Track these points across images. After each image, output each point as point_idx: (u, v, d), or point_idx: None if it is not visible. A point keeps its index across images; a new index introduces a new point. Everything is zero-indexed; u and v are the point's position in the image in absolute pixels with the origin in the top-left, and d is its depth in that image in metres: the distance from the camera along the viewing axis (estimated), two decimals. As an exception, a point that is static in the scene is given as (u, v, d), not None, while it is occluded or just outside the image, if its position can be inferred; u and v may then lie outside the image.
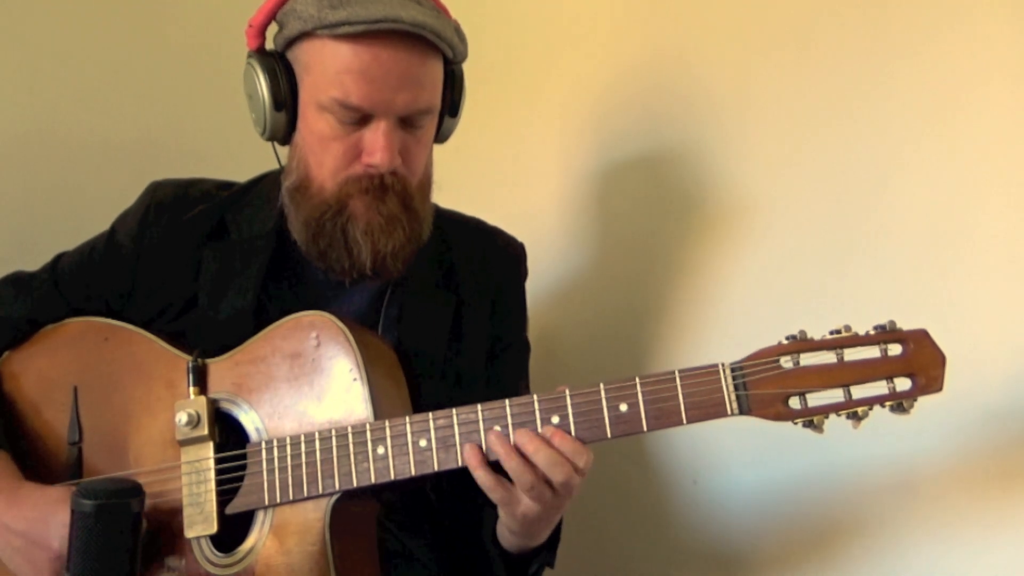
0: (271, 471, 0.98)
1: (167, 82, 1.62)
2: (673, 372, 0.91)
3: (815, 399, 0.89)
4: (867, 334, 0.90)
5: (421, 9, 0.99)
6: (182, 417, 1.00)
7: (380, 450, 0.96)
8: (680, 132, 1.41)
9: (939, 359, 0.89)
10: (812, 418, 0.89)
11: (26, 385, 1.10)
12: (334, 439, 0.97)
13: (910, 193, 1.18)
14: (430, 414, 0.96)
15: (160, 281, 1.11)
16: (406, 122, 1.02)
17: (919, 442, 1.15)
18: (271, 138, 1.07)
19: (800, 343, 0.90)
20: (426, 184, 1.08)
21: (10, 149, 1.46)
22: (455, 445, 0.95)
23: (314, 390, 1.00)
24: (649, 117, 1.45)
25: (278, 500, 0.98)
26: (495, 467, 0.93)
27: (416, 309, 1.12)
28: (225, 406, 1.02)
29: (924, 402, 0.89)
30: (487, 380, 1.15)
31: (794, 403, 0.90)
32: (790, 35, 1.29)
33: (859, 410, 0.89)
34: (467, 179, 1.56)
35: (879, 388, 0.89)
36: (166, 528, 1.01)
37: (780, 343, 0.91)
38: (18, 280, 1.16)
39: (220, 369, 1.03)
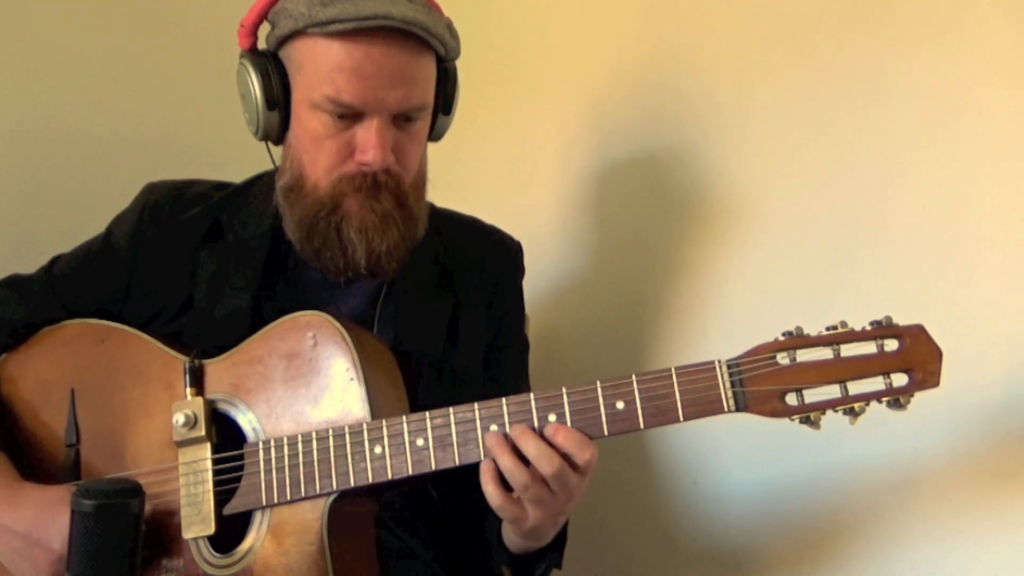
0: (268, 471, 0.98)
1: (166, 82, 1.62)
2: (669, 369, 0.91)
3: (812, 395, 0.89)
4: (863, 330, 0.90)
5: (412, 6, 0.99)
6: (179, 418, 1.00)
7: (377, 450, 0.96)
8: (678, 131, 1.41)
9: (936, 354, 0.89)
10: (809, 414, 0.89)
11: (23, 387, 1.11)
12: (331, 439, 0.97)
13: (907, 191, 1.18)
14: (427, 413, 0.95)
15: (156, 282, 1.11)
16: (399, 119, 1.02)
17: (917, 439, 1.14)
18: (265, 138, 1.07)
19: (796, 339, 0.90)
20: (420, 182, 1.08)
21: (9, 149, 1.47)
22: (452, 444, 0.95)
23: (311, 390, 1.00)
24: (647, 116, 1.45)
25: (276, 500, 0.98)
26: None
27: (413, 308, 1.12)
28: (222, 407, 1.02)
29: (921, 398, 0.89)
30: (486, 379, 1.15)
31: (791, 399, 0.89)
32: (789, 35, 1.29)
33: (856, 406, 0.88)
34: (466, 178, 1.57)
35: (876, 384, 0.88)
36: (164, 529, 1.01)
37: (776, 339, 0.90)
38: (14, 282, 1.16)
39: (217, 370, 1.03)
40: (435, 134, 1.11)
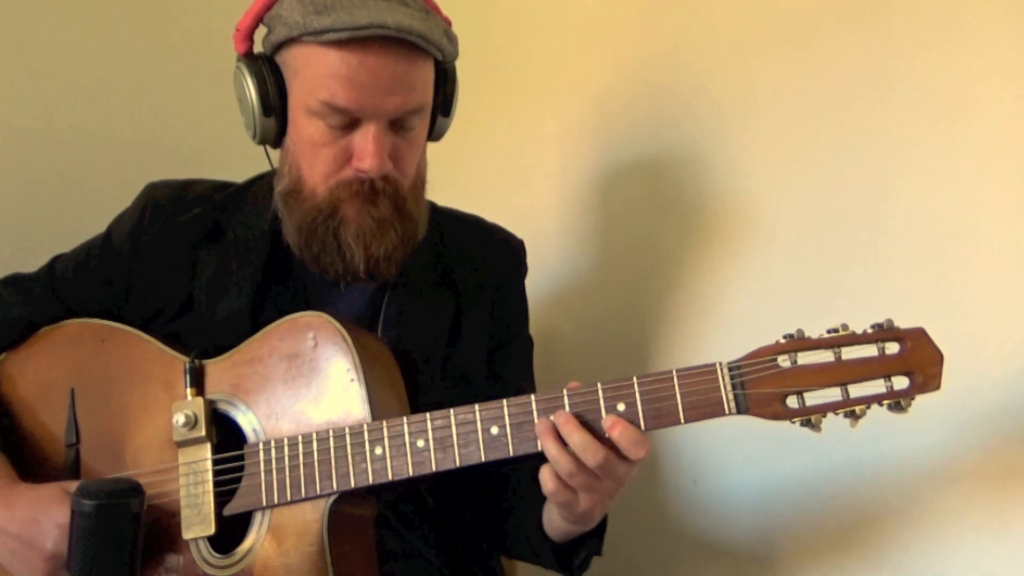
0: (269, 472, 0.98)
1: (166, 82, 1.62)
2: (671, 372, 0.91)
3: (813, 398, 0.89)
4: (864, 333, 0.89)
5: (407, 12, 0.98)
6: (179, 418, 1.00)
7: (377, 451, 0.96)
8: (680, 132, 1.41)
9: (937, 357, 0.88)
10: (810, 417, 0.89)
11: (23, 387, 1.10)
12: (331, 440, 0.97)
13: (908, 194, 1.18)
14: (427, 415, 0.95)
15: (156, 283, 1.11)
16: (396, 124, 1.01)
17: (917, 441, 1.14)
18: (262, 142, 1.07)
19: (797, 342, 0.90)
20: (419, 185, 1.08)
21: (9, 149, 1.47)
22: (452, 446, 0.94)
23: (311, 391, 1.00)
24: (649, 117, 1.45)
25: (276, 501, 0.98)
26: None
27: (415, 308, 1.12)
28: (223, 407, 1.02)
29: (922, 401, 0.89)
30: (489, 378, 1.15)
31: (792, 402, 0.89)
32: (791, 37, 1.29)
33: (857, 409, 0.88)
34: (468, 179, 1.57)
35: (877, 387, 0.88)
36: (164, 529, 1.01)
37: (778, 342, 0.90)
38: (15, 282, 1.16)
39: (217, 370, 1.03)
40: (435, 135, 1.11)
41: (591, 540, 1.03)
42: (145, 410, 1.04)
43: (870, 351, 0.89)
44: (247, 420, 1.01)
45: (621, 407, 0.92)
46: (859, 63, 1.22)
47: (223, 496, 1.00)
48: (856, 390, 0.88)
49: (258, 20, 1.04)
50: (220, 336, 1.05)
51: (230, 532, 1.00)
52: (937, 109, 1.16)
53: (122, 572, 0.94)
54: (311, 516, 0.97)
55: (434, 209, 1.16)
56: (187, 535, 0.99)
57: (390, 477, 0.95)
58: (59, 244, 1.19)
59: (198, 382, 1.03)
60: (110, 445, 1.05)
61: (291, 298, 1.09)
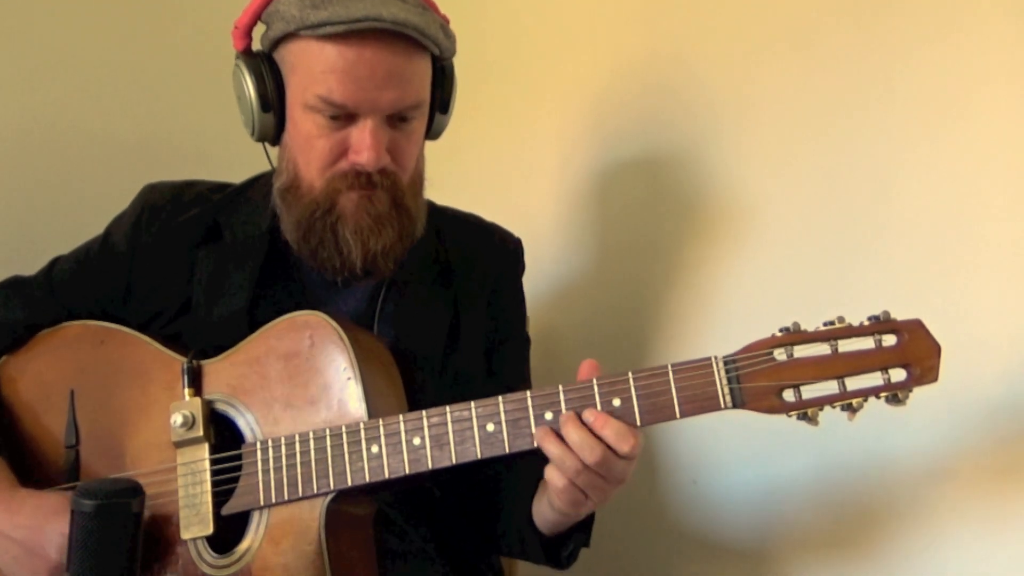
0: (266, 471, 0.98)
1: (166, 82, 1.63)
2: (666, 366, 0.91)
3: (809, 391, 0.89)
4: (861, 325, 0.89)
5: (404, 6, 0.98)
6: (177, 419, 1.00)
7: (374, 449, 0.96)
8: (678, 131, 1.41)
9: (934, 349, 0.88)
10: (806, 410, 0.88)
11: (23, 389, 1.11)
12: (328, 439, 0.97)
13: (905, 189, 1.17)
14: (423, 412, 0.95)
15: (155, 284, 1.11)
16: (394, 119, 1.02)
17: (916, 436, 1.14)
18: (261, 139, 1.07)
19: (794, 335, 0.89)
20: (417, 181, 1.08)
21: (9, 149, 1.47)
22: (449, 444, 0.94)
23: (309, 390, 1.00)
24: (647, 116, 1.45)
25: (273, 500, 0.98)
26: None
27: (412, 307, 1.12)
28: (220, 407, 1.02)
29: (920, 398, 0.88)
30: (486, 376, 1.15)
31: (788, 396, 0.89)
32: (788, 35, 1.29)
33: (854, 402, 0.88)
34: (466, 178, 1.57)
35: (874, 379, 0.88)
36: (163, 529, 1.01)
37: (773, 335, 0.90)
38: (14, 284, 1.17)
39: (215, 370, 1.03)
40: (433, 133, 1.11)
41: (579, 532, 1.03)
42: (144, 411, 1.05)
43: (867, 343, 0.89)
44: (245, 420, 1.01)
45: (617, 402, 0.91)
46: (857, 62, 1.22)
47: (221, 496, 1.00)
48: (853, 383, 0.88)
49: (256, 17, 1.04)
50: (219, 337, 1.06)
51: (228, 532, 1.00)
52: (934, 107, 1.16)
53: (122, 572, 0.93)
54: (309, 515, 0.97)
55: (432, 208, 1.16)
56: (185, 535, 1.00)
57: (387, 475, 0.95)
58: (58, 245, 1.19)
59: (196, 382, 1.03)
60: (109, 446, 1.05)
61: (289, 298, 1.09)
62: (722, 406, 0.89)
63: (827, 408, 0.89)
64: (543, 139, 1.58)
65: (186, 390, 1.02)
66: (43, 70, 1.51)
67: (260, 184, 1.15)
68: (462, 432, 0.94)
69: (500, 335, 1.17)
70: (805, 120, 1.27)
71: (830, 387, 0.88)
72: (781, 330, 0.90)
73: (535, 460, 1.08)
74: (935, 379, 0.88)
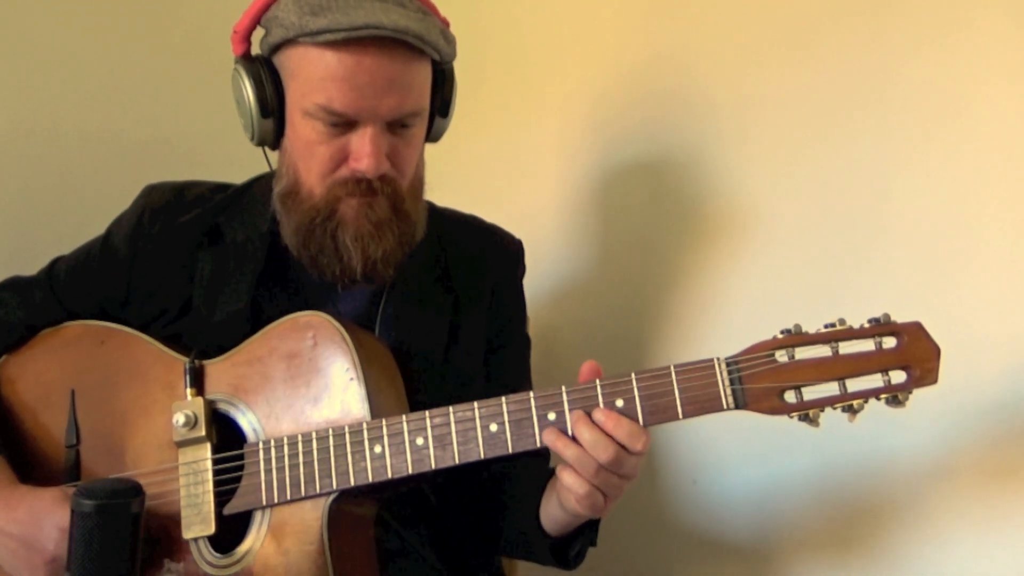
0: (268, 471, 0.98)
1: (166, 83, 1.62)
2: (669, 367, 0.91)
3: (810, 393, 0.89)
4: (861, 327, 0.90)
5: (404, 12, 0.98)
6: (179, 418, 1.00)
7: (377, 449, 0.96)
8: (679, 133, 1.41)
9: (934, 351, 0.89)
10: (807, 412, 0.89)
11: (23, 389, 1.11)
12: (331, 439, 0.97)
13: (905, 191, 1.18)
14: (426, 412, 0.96)
15: (155, 285, 1.11)
16: (394, 125, 1.02)
17: (915, 436, 1.15)
18: (260, 143, 1.07)
19: (795, 337, 0.90)
20: (417, 185, 1.08)
21: (9, 149, 1.47)
22: (452, 443, 0.95)
23: (311, 390, 1.00)
24: (648, 118, 1.45)
25: (276, 500, 0.98)
26: None
27: (413, 308, 1.12)
28: (222, 407, 1.02)
29: (919, 398, 0.89)
30: (487, 378, 1.15)
31: (789, 397, 0.90)
32: (789, 38, 1.30)
33: (854, 403, 0.89)
34: (467, 179, 1.57)
35: (874, 381, 0.89)
36: (164, 529, 1.01)
37: (775, 337, 0.91)
38: (15, 284, 1.16)
39: (217, 370, 1.03)
40: (433, 136, 1.11)
41: (586, 532, 1.03)
42: (145, 411, 1.05)
43: (867, 346, 0.90)
44: (247, 420, 1.01)
45: (620, 403, 0.92)
46: (857, 64, 1.23)
47: (223, 496, 1.00)
48: (854, 384, 0.89)
49: (255, 22, 1.04)
50: (219, 337, 1.06)
51: (230, 532, 1.00)
52: (935, 109, 1.16)
53: (122, 572, 0.93)
54: (311, 515, 0.97)
55: (432, 209, 1.16)
56: (187, 535, 1.00)
57: (390, 475, 0.95)
58: (59, 246, 1.19)
59: (198, 382, 1.03)
60: (110, 446, 1.05)
61: (289, 300, 1.09)
62: (724, 407, 0.90)
63: (828, 409, 0.90)
64: (544, 140, 1.58)
65: (188, 390, 1.02)
66: (42, 71, 1.50)
67: (261, 185, 1.15)
68: (465, 432, 0.95)
69: (501, 337, 1.17)
70: (806, 122, 1.28)
71: (831, 388, 0.89)
72: (782, 332, 0.91)
73: (538, 461, 1.09)
74: (935, 381, 0.88)
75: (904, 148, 1.19)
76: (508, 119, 1.63)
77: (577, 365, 0.96)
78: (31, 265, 1.19)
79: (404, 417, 0.96)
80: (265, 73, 1.03)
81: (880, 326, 0.90)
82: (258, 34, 1.07)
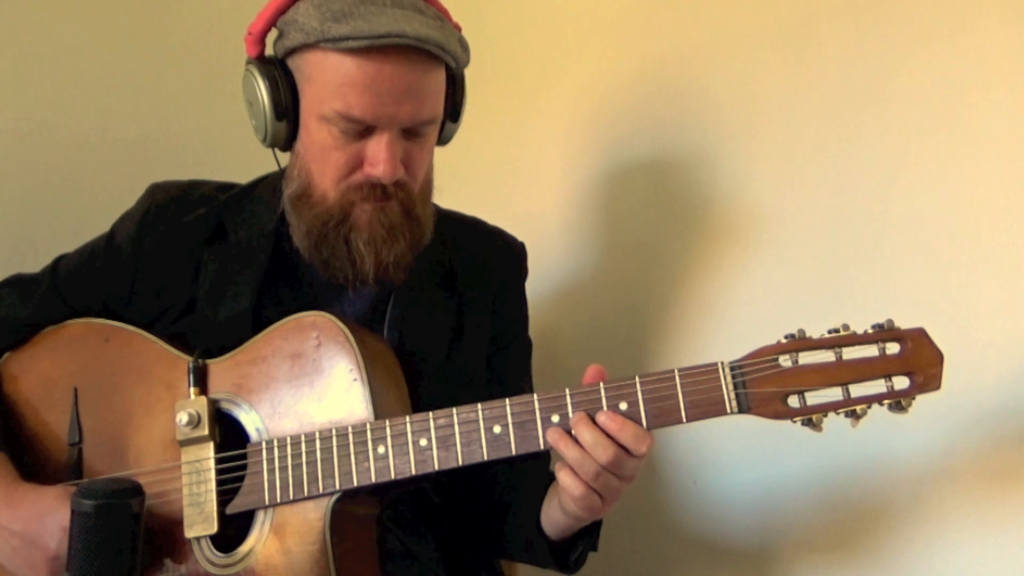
0: (271, 471, 0.99)
1: (167, 83, 1.62)
2: (673, 371, 0.92)
3: (814, 398, 0.90)
4: (865, 333, 0.90)
5: (425, 20, 0.98)
6: (182, 417, 1.00)
7: (380, 450, 0.96)
8: (683, 135, 1.41)
9: (937, 357, 0.89)
10: (811, 416, 0.90)
11: (26, 386, 1.11)
12: (334, 439, 0.97)
13: (910, 195, 1.18)
14: (430, 414, 0.96)
15: (159, 283, 1.11)
16: (409, 131, 1.02)
17: (917, 441, 1.15)
18: (272, 145, 1.06)
19: (799, 342, 0.90)
20: (427, 189, 1.09)
21: (10, 149, 1.46)
22: (455, 445, 0.95)
23: (314, 390, 1.00)
24: (652, 120, 1.45)
25: (278, 500, 0.98)
26: None
27: (417, 310, 1.12)
28: (226, 406, 1.02)
29: (921, 400, 0.89)
30: (489, 379, 1.15)
31: (793, 401, 0.90)
32: (793, 40, 1.30)
33: (857, 408, 0.89)
34: (470, 180, 1.57)
35: (877, 387, 0.89)
36: (166, 528, 1.01)
37: (779, 342, 0.91)
38: (19, 282, 1.16)
39: (220, 369, 1.04)
40: (442, 140, 1.11)
41: (588, 536, 1.04)
42: (148, 409, 1.05)
43: (871, 351, 0.90)
44: (250, 419, 1.01)
45: (623, 406, 0.92)
46: (862, 66, 1.23)
47: (226, 495, 1.00)
48: (857, 390, 0.89)
49: (271, 24, 1.03)
50: (223, 337, 1.06)
51: (232, 531, 1.00)
52: (939, 111, 1.16)
53: (122, 572, 0.93)
54: (313, 515, 0.97)
55: (436, 212, 1.16)
56: (189, 534, 1.00)
57: (393, 476, 0.96)
58: (63, 244, 1.19)
59: (201, 381, 1.03)
60: (113, 444, 1.05)
61: (294, 300, 1.09)
62: (728, 411, 0.90)
63: (830, 414, 0.90)
64: (548, 141, 1.58)
65: (191, 389, 1.02)
66: (45, 70, 1.50)
67: (266, 185, 1.15)
68: (468, 434, 0.95)
69: (503, 339, 1.18)
70: (808, 122, 1.28)
71: (834, 394, 0.90)
72: (786, 336, 0.91)
73: (540, 464, 1.09)
74: (938, 387, 0.89)
75: (907, 150, 1.19)
76: (512, 120, 1.63)
77: (579, 366, 0.96)
78: (34, 263, 1.18)
79: (407, 418, 0.96)
80: (280, 76, 1.02)
81: (884, 332, 0.90)
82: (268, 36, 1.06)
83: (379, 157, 1.00)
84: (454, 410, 0.95)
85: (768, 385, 0.90)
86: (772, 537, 1.29)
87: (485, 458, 0.94)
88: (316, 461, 0.97)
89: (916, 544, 1.16)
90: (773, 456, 1.28)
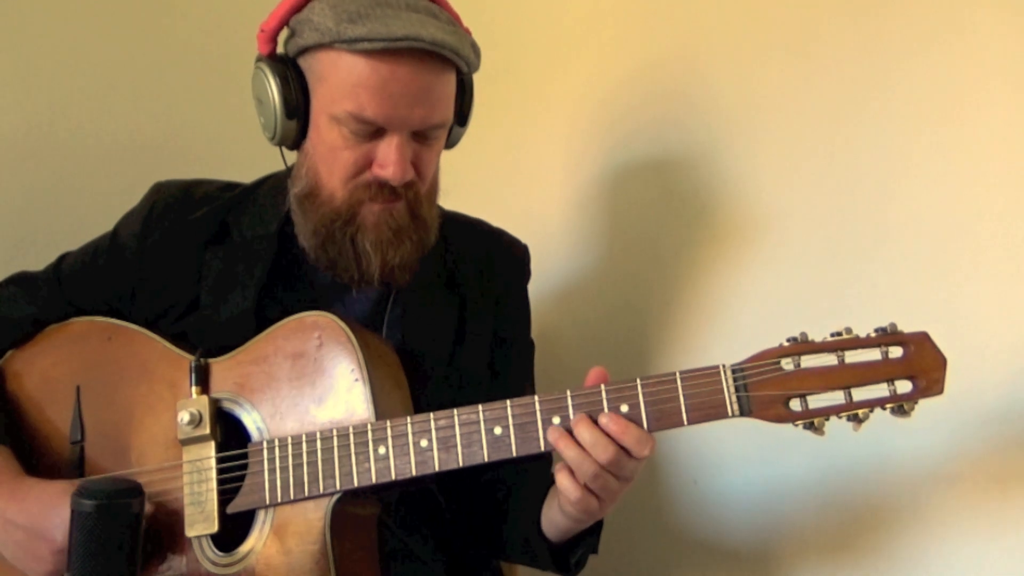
0: (272, 471, 0.99)
1: (169, 82, 1.62)
2: (674, 373, 0.92)
3: (816, 401, 0.89)
4: (868, 336, 0.90)
5: (439, 25, 0.98)
6: (184, 416, 1.01)
7: (381, 450, 0.96)
8: (685, 135, 1.41)
9: (940, 362, 0.89)
10: (812, 420, 0.89)
11: (29, 384, 1.11)
12: (335, 439, 0.97)
13: (913, 198, 1.18)
14: (431, 414, 0.96)
15: (163, 282, 1.11)
16: (419, 135, 1.02)
17: (919, 444, 1.15)
18: (281, 143, 1.06)
19: (801, 345, 0.90)
20: (434, 190, 1.09)
21: (11, 149, 1.46)
22: (456, 446, 0.95)
23: (316, 390, 1.00)
24: (655, 120, 1.45)
25: (279, 499, 0.98)
26: None
27: (420, 310, 1.12)
28: (227, 406, 1.03)
29: (924, 405, 0.89)
30: (491, 380, 1.15)
31: (795, 405, 0.90)
32: (796, 40, 1.29)
33: (859, 412, 0.89)
34: (473, 181, 1.56)
35: (880, 390, 0.89)
36: (167, 527, 1.01)
37: (781, 345, 0.91)
38: (22, 280, 1.16)
39: (222, 369, 1.04)
40: (450, 143, 1.11)
41: (588, 538, 1.04)
42: (150, 408, 1.05)
43: (873, 355, 0.90)
44: (251, 419, 1.01)
45: (624, 408, 0.92)
46: (863, 66, 1.22)
47: (226, 494, 1.00)
48: (859, 393, 0.89)
49: (284, 23, 1.03)
50: (225, 336, 1.06)
51: (233, 531, 1.00)
52: (941, 112, 1.16)
53: (122, 572, 0.93)
54: (314, 515, 0.97)
55: (440, 212, 1.16)
56: (190, 533, 1.00)
57: (393, 476, 0.96)
58: (63, 243, 1.19)
59: (203, 380, 1.03)
60: (115, 442, 1.05)
61: (296, 300, 1.09)
62: (729, 414, 0.90)
63: (832, 418, 0.90)
64: (550, 143, 1.58)
65: (193, 388, 1.02)
66: (47, 69, 1.50)
67: (270, 184, 1.15)
68: (469, 435, 0.95)
69: (505, 340, 1.18)
70: (810, 124, 1.28)
71: (836, 397, 0.89)
72: (788, 340, 0.91)
73: (542, 466, 1.09)
74: (940, 392, 0.88)
75: (911, 152, 1.18)
76: (514, 121, 1.62)
77: (581, 367, 0.96)
78: (36, 262, 1.19)
79: (408, 419, 0.96)
80: (291, 75, 1.02)
81: (886, 336, 0.90)
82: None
83: (389, 159, 1.00)
84: (455, 411, 0.95)
85: (770, 388, 0.90)
86: (773, 538, 1.29)
87: (486, 459, 0.94)
88: (317, 461, 0.97)
89: (917, 547, 1.16)
90: (774, 457, 1.28)
